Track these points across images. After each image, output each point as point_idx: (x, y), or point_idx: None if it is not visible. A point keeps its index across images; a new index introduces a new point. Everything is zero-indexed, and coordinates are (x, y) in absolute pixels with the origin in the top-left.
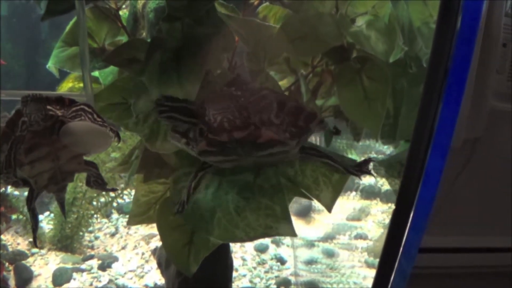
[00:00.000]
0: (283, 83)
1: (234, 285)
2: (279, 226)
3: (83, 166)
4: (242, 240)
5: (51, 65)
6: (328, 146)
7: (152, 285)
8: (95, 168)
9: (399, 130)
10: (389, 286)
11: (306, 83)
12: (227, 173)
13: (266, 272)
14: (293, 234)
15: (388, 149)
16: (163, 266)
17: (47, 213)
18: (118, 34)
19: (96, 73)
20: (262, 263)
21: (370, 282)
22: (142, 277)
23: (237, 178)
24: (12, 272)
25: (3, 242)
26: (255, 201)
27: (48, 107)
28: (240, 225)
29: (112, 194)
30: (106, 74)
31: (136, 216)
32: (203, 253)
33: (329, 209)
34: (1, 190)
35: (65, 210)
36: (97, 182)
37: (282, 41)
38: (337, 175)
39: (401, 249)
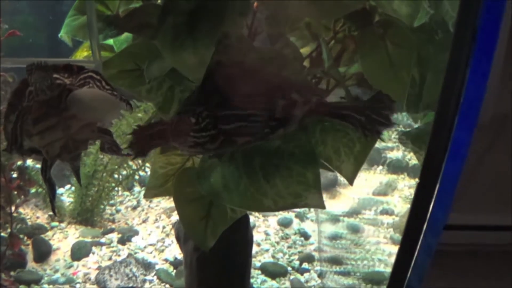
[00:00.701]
0: (305, 50)
1: (256, 259)
2: (309, 195)
3: (96, 134)
4: (269, 209)
5: (63, 34)
6: None
7: (172, 259)
8: (109, 135)
9: (425, 100)
10: (413, 262)
11: (328, 48)
12: None
13: (289, 247)
14: (321, 205)
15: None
16: (181, 240)
17: (68, 186)
18: (132, 1)
19: (110, 41)
20: (285, 237)
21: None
22: (162, 251)
23: (266, 144)
24: (30, 246)
25: (22, 216)
26: (286, 168)
27: (55, 75)
28: (269, 193)
29: (134, 166)
30: (120, 42)
31: (153, 189)
32: (221, 226)
33: (351, 181)
34: (19, 163)
35: (80, 179)
36: (112, 149)
37: (303, 3)
38: (359, 146)
39: (425, 224)
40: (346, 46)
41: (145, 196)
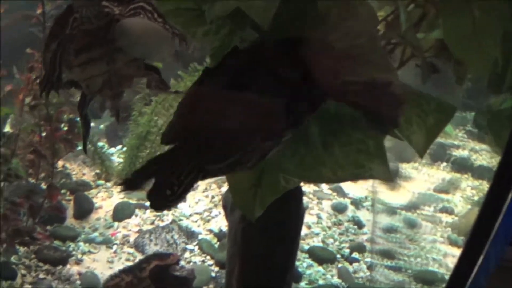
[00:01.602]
0: (380, 14)
1: (304, 242)
2: (372, 165)
3: (142, 71)
4: (329, 180)
5: None
6: (424, 83)
7: (217, 231)
8: (157, 73)
9: (508, 82)
10: (473, 273)
11: (406, 11)
12: None
13: (341, 234)
14: (388, 177)
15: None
16: (228, 209)
17: (119, 146)
18: None
19: None
20: (338, 224)
21: (450, 260)
22: (208, 221)
23: (324, 110)
24: (72, 202)
25: (67, 171)
26: (345, 134)
27: (104, 2)
28: (327, 163)
29: None
30: None
31: None
32: (271, 197)
33: (421, 154)
34: (70, 116)
35: (119, 118)
36: (159, 86)
37: None
38: (432, 119)
39: (492, 234)
40: (427, 11)
41: None
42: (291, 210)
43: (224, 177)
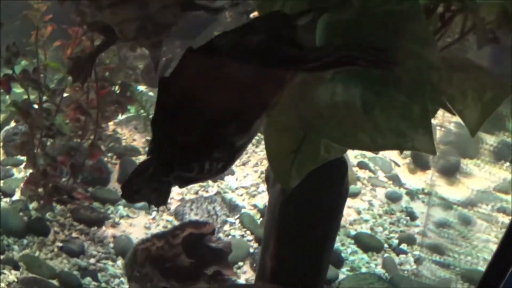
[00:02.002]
0: None
1: (352, 228)
2: (415, 135)
3: (178, 18)
4: (367, 147)
5: None
6: (480, 49)
7: (261, 206)
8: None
9: None
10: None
11: None
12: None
13: (391, 223)
14: (431, 149)
15: None
16: (270, 181)
17: None
18: None
19: None
20: (390, 213)
21: None
22: (253, 196)
23: (368, 70)
24: (117, 166)
25: (118, 135)
26: (388, 96)
27: None
28: (367, 127)
29: None
30: None
31: None
32: (309, 165)
33: (473, 132)
34: (123, 80)
35: (157, 70)
36: None
37: None
38: (490, 93)
39: None
40: None
41: None
42: (334, 187)
43: None
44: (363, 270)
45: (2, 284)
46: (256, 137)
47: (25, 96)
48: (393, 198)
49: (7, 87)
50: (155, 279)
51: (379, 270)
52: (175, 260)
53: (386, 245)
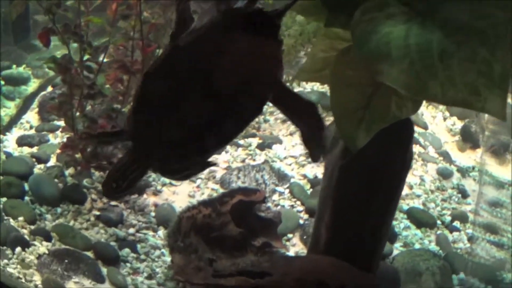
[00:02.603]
0: None
1: (404, 202)
2: (490, 95)
3: None
4: (433, 97)
5: None
6: None
7: (311, 176)
8: None
9: None
10: None
11: None
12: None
13: (443, 200)
14: (502, 115)
15: None
16: (327, 146)
17: None
18: None
19: None
20: (441, 189)
21: None
22: (303, 166)
23: (451, 17)
24: None
25: None
26: (470, 48)
27: None
28: (439, 76)
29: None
30: None
31: (308, 72)
32: (379, 123)
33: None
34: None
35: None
36: None
37: None
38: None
39: None
40: None
41: (296, 78)
42: (399, 151)
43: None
44: (417, 246)
45: (32, 257)
46: None
47: (65, 52)
48: (444, 174)
49: (46, 40)
50: (199, 249)
51: (433, 246)
52: (222, 229)
53: (439, 222)
